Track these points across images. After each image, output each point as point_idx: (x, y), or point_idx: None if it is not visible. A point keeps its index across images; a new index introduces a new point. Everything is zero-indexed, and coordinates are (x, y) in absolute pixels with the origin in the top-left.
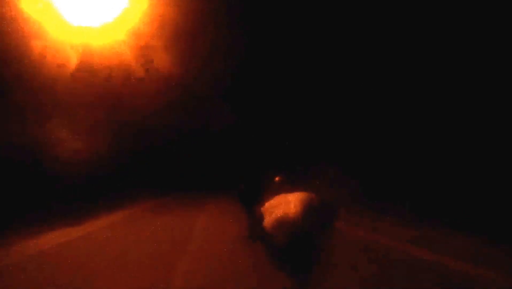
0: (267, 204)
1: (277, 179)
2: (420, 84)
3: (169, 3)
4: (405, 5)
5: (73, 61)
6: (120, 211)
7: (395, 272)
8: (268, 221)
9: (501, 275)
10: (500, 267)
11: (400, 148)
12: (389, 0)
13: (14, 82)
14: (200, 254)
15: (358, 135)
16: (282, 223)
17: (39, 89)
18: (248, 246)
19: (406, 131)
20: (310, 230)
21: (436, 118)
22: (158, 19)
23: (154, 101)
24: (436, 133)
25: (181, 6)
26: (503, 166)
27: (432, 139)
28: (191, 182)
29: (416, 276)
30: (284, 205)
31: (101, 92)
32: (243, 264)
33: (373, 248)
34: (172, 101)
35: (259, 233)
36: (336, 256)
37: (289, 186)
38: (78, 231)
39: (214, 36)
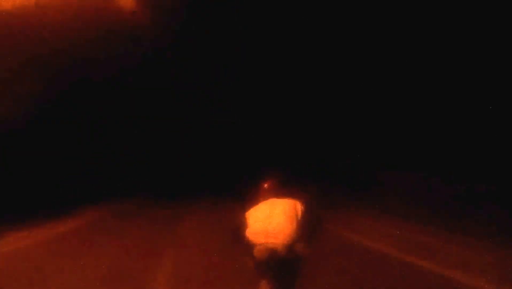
0: (251, 210)
1: (266, 185)
2: (422, 84)
3: None
4: None
5: None
6: None
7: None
8: (250, 230)
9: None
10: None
11: (402, 145)
12: None
13: None
14: None
15: (358, 133)
16: (264, 235)
17: None
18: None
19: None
20: (293, 243)
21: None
22: None
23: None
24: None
25: None
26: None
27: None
28: (159, 180)
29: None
30: (268, 214)
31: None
32: None
33: (365, 253)
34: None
35: (240, 240)
36: (324, 262)
37: (279, 191)
38: None
39: None
